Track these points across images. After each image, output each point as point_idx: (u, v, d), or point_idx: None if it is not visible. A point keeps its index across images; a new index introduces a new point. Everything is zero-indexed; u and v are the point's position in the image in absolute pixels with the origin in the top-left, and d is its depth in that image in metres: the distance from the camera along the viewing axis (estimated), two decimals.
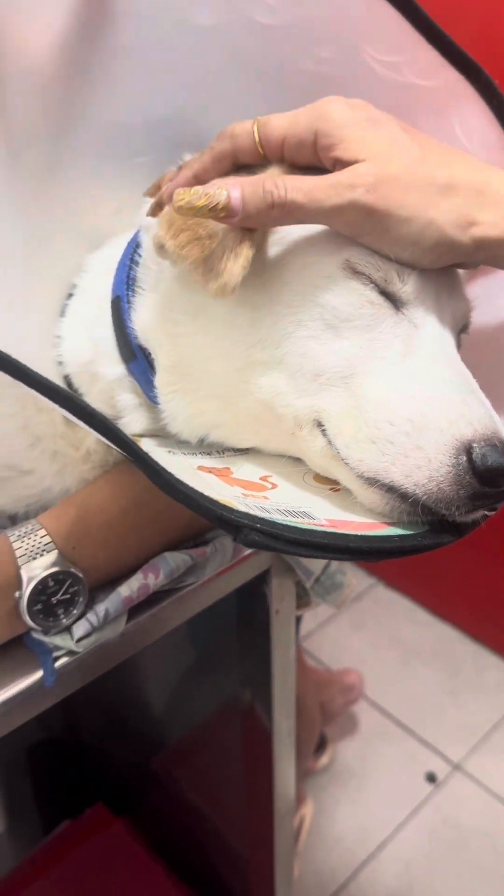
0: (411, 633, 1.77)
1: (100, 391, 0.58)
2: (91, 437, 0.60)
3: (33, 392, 0.60)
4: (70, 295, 0.63)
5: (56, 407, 0.42)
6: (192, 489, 0.40)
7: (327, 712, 1.51)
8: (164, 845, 1.14)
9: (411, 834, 1.38)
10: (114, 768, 1.19)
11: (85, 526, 0.57)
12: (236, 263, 0.46)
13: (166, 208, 0.48)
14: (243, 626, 0.73)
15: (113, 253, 0.61)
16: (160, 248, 0.48)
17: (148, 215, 0.51)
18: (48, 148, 0.57)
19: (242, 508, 0.43)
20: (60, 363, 0.60)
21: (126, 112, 0.59)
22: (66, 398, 0.43)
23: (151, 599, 0.59)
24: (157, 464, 0.39)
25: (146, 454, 0.39)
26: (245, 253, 0.46)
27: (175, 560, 0.59)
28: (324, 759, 1.49)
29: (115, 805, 1.18)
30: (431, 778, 1.49)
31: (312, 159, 0.49)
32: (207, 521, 0.41)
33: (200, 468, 0.49)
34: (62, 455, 0.60)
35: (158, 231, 0.47)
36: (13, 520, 0.63)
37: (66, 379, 0.60)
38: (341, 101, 0.48)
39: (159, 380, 0.53)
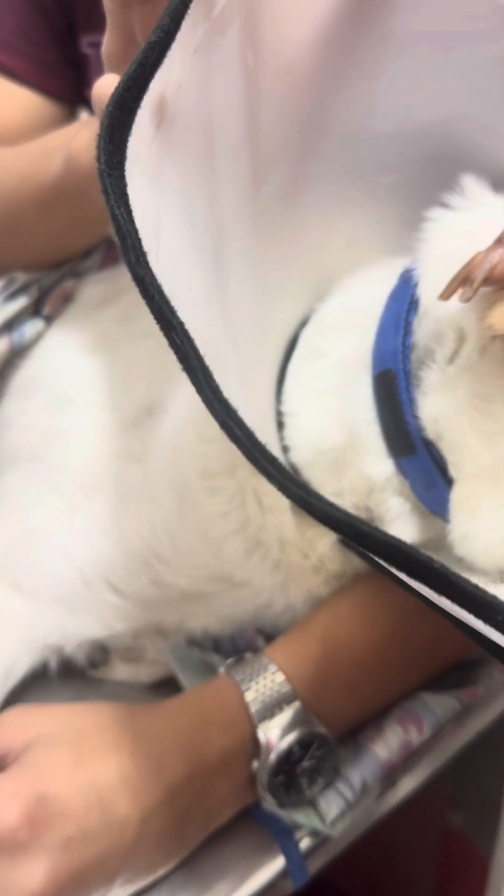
0: None
1: (350, 490, 0.44)
2: (324, 542, 0.47)
3: (257, 487, 0.47)
4: (287, 356, 0.49)
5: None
6: None
7: None
8: None
9: None
10: None
11: (331, 666, 0.44)
12: None
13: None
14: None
15: (353, 301, 0.47)
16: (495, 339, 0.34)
17: (442, 298, 0.37)
18: (291, 169, 0.43)
19: None
20: (286, 448, 0.46)
21: (384, 118, 0.45)
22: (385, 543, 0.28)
23: None
24: None
25: None
26: None
27: (440, 706, 0.46)
28: None
29: None
30: None
31: None
32: None
33: None
34: (287, 565, 0.47)
35: (493, 319, 0.33)
36: (217, 645, 0.50)
37: (292, 469, 0.47)
38: None
39: (458, 492, 0.39)
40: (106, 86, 0.34)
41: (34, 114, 0.68)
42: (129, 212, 0.26)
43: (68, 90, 0.69)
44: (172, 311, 0.25)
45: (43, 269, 0.58)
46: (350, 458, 0.44)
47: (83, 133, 0.48)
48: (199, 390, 0.25)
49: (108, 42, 0.36)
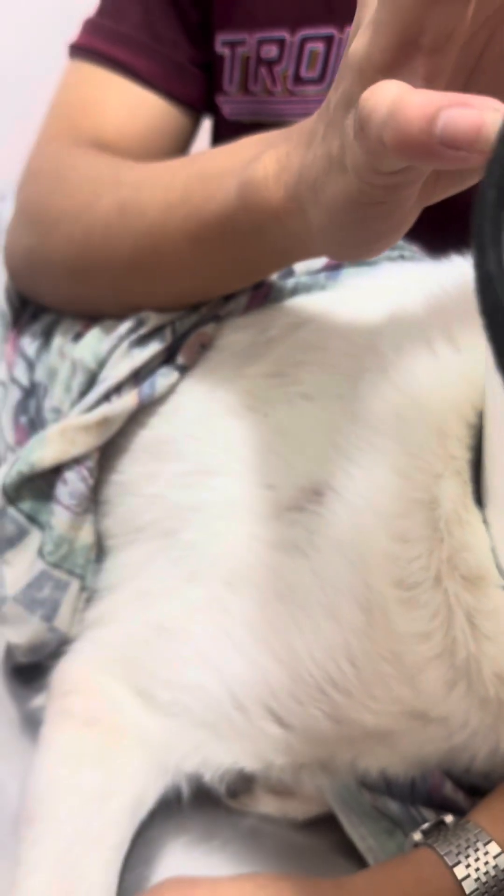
0: None
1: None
2: None
3: (472, 605, 0.38)
4: None
5: None
6: None
7: None
8: None
9: None
10: None
11: None
12: None
13: None
14: None
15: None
16: None
17: None
18: None
19: None
20: None
21: None
22: None
23: None
24: None
25: None
26: None
27: None
28: None
29: None
30: None
31: None
32: None
33: None
34: (500, 703, 0.38)
35: None
36: (390, 786, 0.41)
37: None
38: None
39: None
40: (387, 94, 0.25)
41: (157, 121, 0.59)
42: None
43: (197, 95, 0.60)
44: None
45: (178, 311, 0.49)
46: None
47: (266, 158, 0.39)
48: None
49: (374, 43, 0.27)
